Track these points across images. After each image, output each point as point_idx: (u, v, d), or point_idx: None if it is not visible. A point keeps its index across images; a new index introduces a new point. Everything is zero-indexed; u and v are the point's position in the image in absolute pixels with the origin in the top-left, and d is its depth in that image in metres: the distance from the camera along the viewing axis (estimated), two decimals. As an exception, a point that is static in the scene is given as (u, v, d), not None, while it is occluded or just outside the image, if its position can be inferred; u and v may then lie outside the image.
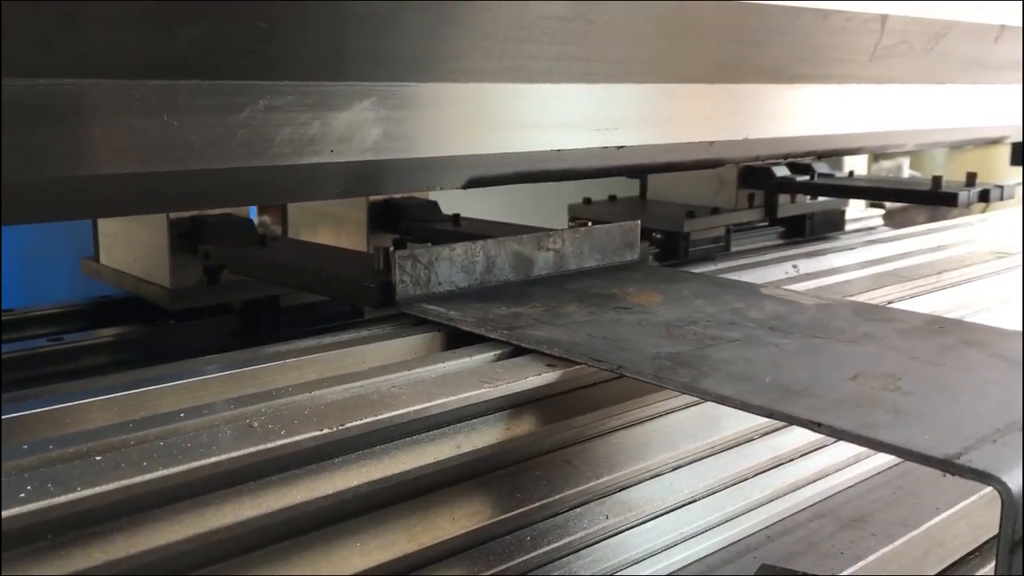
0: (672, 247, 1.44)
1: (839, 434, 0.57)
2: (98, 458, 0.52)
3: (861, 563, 0.77)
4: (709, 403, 0.83)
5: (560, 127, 0.79)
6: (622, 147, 0.84)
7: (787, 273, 1.14)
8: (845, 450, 0.91)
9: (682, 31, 0.83)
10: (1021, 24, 1.20)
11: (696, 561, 0.77)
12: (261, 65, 0.61)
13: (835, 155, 1.15)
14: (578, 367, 0.73)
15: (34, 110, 0.53)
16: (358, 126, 0.66)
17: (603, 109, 0.83)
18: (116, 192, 0.57)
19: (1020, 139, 1.48)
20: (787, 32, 0.92)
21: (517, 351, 0.75)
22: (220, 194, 0.63)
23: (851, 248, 1.31)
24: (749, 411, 0.62)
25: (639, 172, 0.89)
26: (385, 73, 0.67)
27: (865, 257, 1.24)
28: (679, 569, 0.75)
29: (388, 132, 0.68)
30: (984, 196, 1.54)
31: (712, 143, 0.94)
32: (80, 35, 0.53)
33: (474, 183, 0.75)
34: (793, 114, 1.02)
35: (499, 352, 0.75)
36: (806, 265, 1.18)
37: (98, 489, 0.49)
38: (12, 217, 0.55)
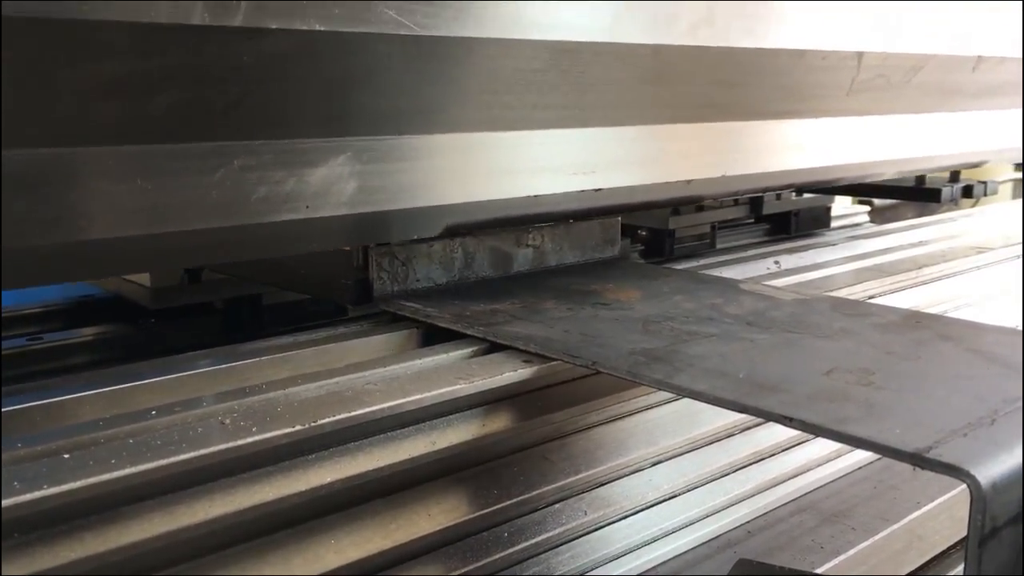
0: (658, 244, 1.44)
1: (810, 428, 0.57)
2: (66, 456, 0.52)
3: (841, 557, 0.77)
4: (687, 398, 0.83)
5: (537, 172, 0.79)
6: (600, 189, 0.84)
7: (768, 269, 1.14)
8: (825, 445, 0.91)
9: (658, 75, 0.83)
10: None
11: (676, 557, 0.76)
12: (235, 125, 0.61)
13: (813, 187, 1.15)
14: (555, 363, 0.73)
15: (8, 179, 0.53)
16: (334, 181, 0.66)
17: (580, 153, 0.83)
18: (90, 257, 0.57)
19: (998, 162, 1.49)
20: (764, 72, 0.93)
21: (494, 347, 0.75)
22: (195, 253, 0.63)
23: (834, 244, 1.31)
24: (722, 406, 0.62)
25: (617, 212, 0.89)
26: (361, 128, 0.67)
27: (847, 253, 1.24)
28: (659, 565, 0.75)
29: (364, 186, 0.68)
30: (968, 192, 1.55)
31: (690, 182, 0.94)
32: (54, 104, 0.53)
33: (451, 231, 0.75)
34: (770, 150, 1.03)
35: (475, 348, 0.75)
36: (788, 261, 1.18)
37: (65, 487, 0.49)
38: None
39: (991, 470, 0.49)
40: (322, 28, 0.59)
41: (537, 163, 0.79)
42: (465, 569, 0.64)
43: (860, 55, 0.98)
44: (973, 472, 0.48)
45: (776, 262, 1.16)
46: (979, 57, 1.21)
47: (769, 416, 0.59)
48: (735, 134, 0.98)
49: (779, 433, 0.88)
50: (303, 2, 0.58)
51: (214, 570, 0.55)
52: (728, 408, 0.62)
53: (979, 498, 0.48)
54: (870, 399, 0.61)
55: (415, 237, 0.74)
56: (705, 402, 0.63)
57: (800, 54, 0.93)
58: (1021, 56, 1.26)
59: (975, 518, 0.48)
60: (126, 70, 0.54)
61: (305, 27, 0.59)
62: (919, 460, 0.51)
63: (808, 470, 0.89)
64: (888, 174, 1.27)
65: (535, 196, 0.79)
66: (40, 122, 0.53)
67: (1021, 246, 1.32)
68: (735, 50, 0.87)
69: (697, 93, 0.90)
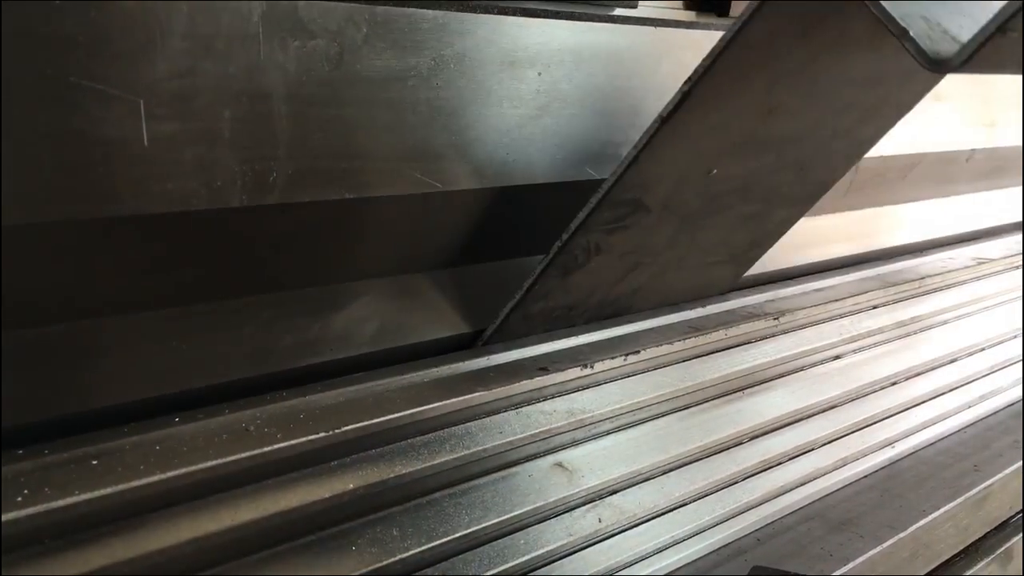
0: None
1: None
2: (95, 462, 0.52)
3: (850, 565, 0.78)
4: (700, 408, 0.84)
5: None
6: None
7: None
8: (832, 453, 0.92)
9: None
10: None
11: (688, 564, 0.77)
12: (264, 282, 0.64)
13: (807, 274, 1.18)
14: (568, 370, 0.73)
15: (46, 353, 0.55)
16: (356, 322, 0.69)
17: None
18: (125, 416, 0.58)
19: (991, 239, 1.54)
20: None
21: (502, 360, 0.75)
22: (221, 397, 0.64)
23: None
24: None
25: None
26: (382, 270, 0.71)
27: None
28: (671, 572, 0.76)
29: (384, 324, 0.71)
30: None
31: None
32: (98, 282, 0.56)
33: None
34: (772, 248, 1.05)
35: (490, 358, 0.75)
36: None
37: (95, 493, 0.49)
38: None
39: None
40: (351, 196, 0.62)
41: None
42: (483, 575, 0.65)
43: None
44: None
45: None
46: (972, 150, 1.25)
47: None
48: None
49: (787, 441, 0.89)
50: (334, 175, 0.61)
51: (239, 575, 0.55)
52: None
53: None
54: None
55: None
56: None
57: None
58: (1021, 144, 1.31)
59: None
60: (165, 251, 0.57)
61: (336, 197, 0.61)
62: None
63: (815, 478, 0.90)
64: (881, 261, 1.31)
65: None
66: (83, 297, 0.56)
67: (1021, 256, 1.34)
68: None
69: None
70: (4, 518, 0.46)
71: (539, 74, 0.71)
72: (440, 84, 0.64)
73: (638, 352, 0.79)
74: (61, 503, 0.48)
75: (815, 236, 1.13)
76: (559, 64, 0.72)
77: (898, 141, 1.07)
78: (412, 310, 0.73)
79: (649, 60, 0.79)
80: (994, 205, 1.47)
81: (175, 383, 0.60)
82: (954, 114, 1.18)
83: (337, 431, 0.59)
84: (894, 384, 1.04)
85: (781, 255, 1.05)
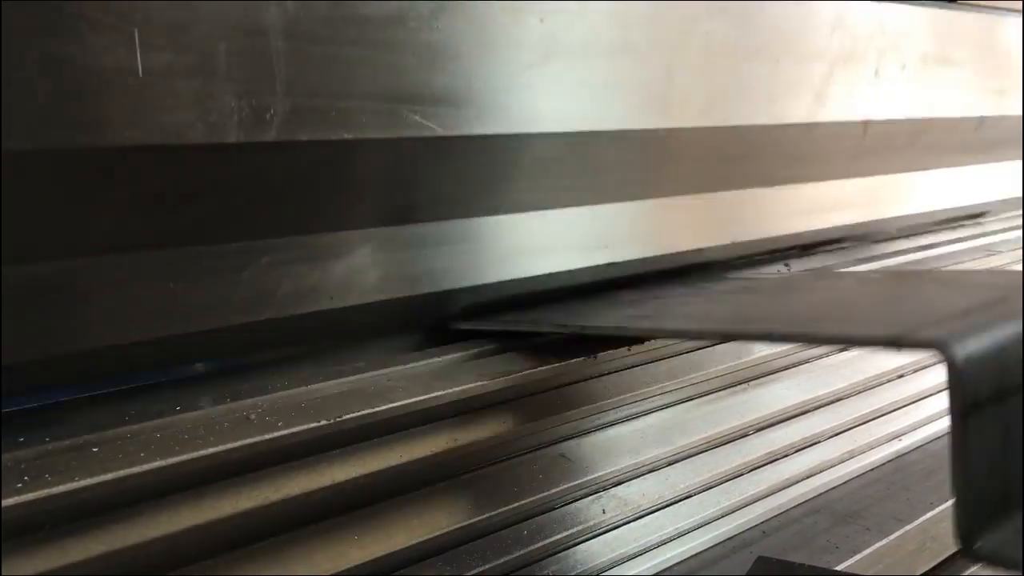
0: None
1: (788, 337, 0.56)
2: (95, 449, 0.52)
3: (856, 557, 0.77)
4: (705, 399, 0.84)
5: (552, 251, 0.81)
6: (613, 263, 0.86)
7: (779, 272, 1.14)
8: (839, 445, 0.92)
9: (670, 154, 0.86)
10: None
11: (692, 556, 0.77)
12: (262, 226, 0.63)
13: (817, 246, 1.17)
14: (572, 362, 0.73)
15: (39, 291, 0.54)
16: (357, 271, 0.68)
17: (593, 229, 0.84)
18: (119, 361, 0.58)
19: (1000, 211, 1.53)
20: (772, 145, 0.95)
21: (506, 347, 0.75)
22: (219, 350, 0.64)
23: (844, 248, 1.31)
24: (703, 338, 0.61)
25: (630, 281, 0.91)
26: (383, 219, 0.69)
27: (857, 255, 1.25)
28: (675, 564, 0.75)
29: (386, 274, 0.70)
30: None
31: (701, 250, 0.96)
32: (91, 219, 0.55)
33: (467, 312, 0.77)
34: (777, 213, 1.04)
35: (494, 346, 0.75)
36: (797, 264, 1.18)
37: (96, 480, 0.49)
38: (17, 393, 0.57)
39: (966, 346, 0.47)
40: (350, 136, 0.61)
41: (552, 241, 0.81)
42: (485, 567, 0.64)
43: (866, 124, 1.00)
44: (948, 341, 0.46)
45: (786, 264, 1.16)
46: (982, 118, 1.24)
47: (748, 336, 0.58)
48: (744, 201, 1.00)
49: (793, 433, 0.89)
50: (331, 114, 0.60)
51: (240, 565, 0.55)
52: (710, 338, 0.60)
53: (955, 372, 0.46)
54: (849, 316, 0.60)
55: (432, 319, 0.76)
56: (688, 339, 0.62)
57: (808, 127, 0.96)
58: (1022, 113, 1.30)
59: (954, 394, 0.46)
60: (160, 187, 0.56)
61: (334, 137, 0.61)
62: (893, 341, 0.49)
63: (822, 471, 0.89)
64: (891, 230, 1.30)
65: (549, 274, 0.81)
66: (75, 235, 0.55)
67: (1021, 248, 1.33)
68: (746, 127, 0.90)
69: (708, 167, 0.92)
70: (4, 504, 0.46)
71: (541, 21, 0.69)
72: (441, 26, 0.63)
73: (642, 342, 0.79)
74: (61, 489, 0.48)
75: (822, 202, 1.12)
76: (561, 11, 0.71)
77: (908, 104, 1.06)
78: (414, 261, 0.71)
79: (654, 10, 0.77)
80: (1003, 178, 1.45)
81: (169, 327, 0.59)
82: (964, 82, 1.16)
83: (339, 419, 0.59)
84: (901, 377, 1.03)
85: (786, 221, 1.04)
